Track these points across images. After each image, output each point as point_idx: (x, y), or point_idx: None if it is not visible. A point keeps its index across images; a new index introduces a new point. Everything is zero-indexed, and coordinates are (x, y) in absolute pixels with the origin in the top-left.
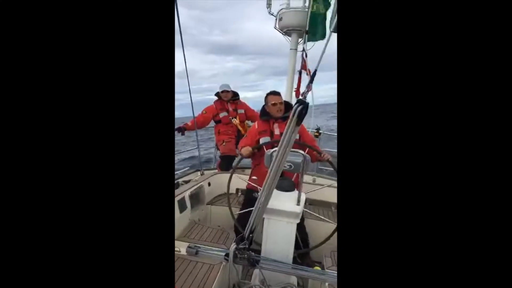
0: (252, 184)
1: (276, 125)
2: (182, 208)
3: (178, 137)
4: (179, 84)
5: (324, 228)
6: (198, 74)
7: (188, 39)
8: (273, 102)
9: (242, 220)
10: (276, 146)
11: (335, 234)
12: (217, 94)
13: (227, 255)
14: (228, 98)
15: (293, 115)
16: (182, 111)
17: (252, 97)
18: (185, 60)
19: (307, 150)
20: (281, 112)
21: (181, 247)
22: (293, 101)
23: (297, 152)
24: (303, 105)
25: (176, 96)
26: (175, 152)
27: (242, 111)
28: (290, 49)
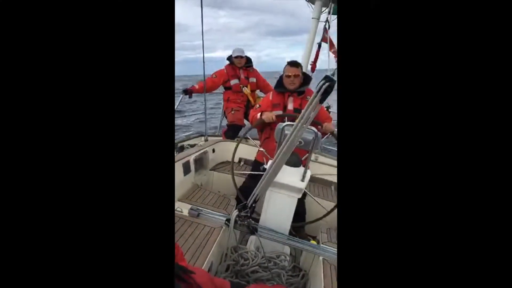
0: (262, 156)
1: (291, 98)
2: (187, 171)
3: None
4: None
5: (322, 205)
6: (190, 30)
7: None
8: (287, 74)
9: (244, 189)
10: (290, 120)
11: (332, 213)
12: (229, 59)
13: (228, 220)
14: (241, 65)
15: (318, 92)
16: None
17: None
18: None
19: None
20: (293, 85)
21: (183, 208)
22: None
23: (309, 129)
24: (330, 83)
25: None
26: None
27: (254, 79)
28: (312, 18)
